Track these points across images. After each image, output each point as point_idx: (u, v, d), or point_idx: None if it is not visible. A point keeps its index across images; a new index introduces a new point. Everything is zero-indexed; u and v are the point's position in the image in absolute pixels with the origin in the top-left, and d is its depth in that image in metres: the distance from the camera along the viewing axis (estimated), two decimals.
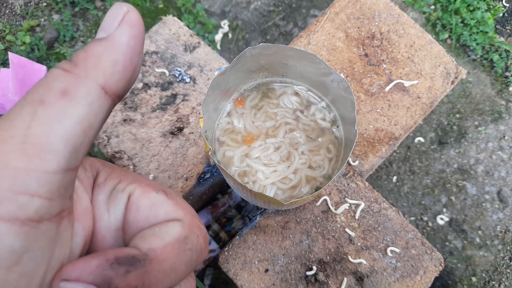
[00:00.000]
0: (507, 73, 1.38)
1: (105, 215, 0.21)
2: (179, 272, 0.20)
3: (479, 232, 1.21)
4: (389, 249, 0.70)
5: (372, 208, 0.73)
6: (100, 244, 0.21)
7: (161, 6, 1.40)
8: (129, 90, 0.20)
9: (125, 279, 0.17)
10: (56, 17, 1.37)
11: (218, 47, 1.38)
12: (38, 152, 0.15)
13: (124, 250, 0.18)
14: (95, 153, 1.21)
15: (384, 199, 0.74)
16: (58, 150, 0.16)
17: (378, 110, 0.78)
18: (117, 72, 0.18)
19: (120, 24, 0.19)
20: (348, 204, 0.73)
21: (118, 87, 0.19)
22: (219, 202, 0.89)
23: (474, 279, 1.17)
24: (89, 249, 0.21)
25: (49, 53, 1.31)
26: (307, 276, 0.69)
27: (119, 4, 0.19)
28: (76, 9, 1.37)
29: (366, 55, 0.81)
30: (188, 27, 0.91)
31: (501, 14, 1.45)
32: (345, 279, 0.68)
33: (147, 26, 1.36)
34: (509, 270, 1.18)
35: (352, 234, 0.71)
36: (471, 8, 1.43)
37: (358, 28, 0.83)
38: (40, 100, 0.16)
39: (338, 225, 0.72)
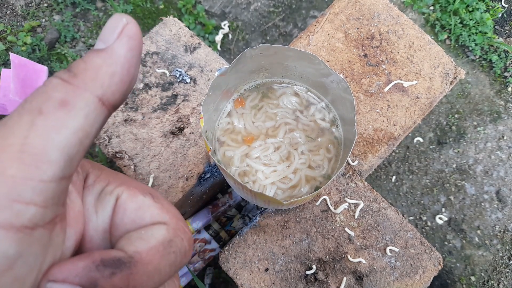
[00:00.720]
0: (506, 74, 1.39)
1: (93, 216, 0.22)
2: (163, 274, 0.21)
3: (478, 231, 1.21)
4: (388, 248, 0.70)
5: (371, 207, 0.74)
6: (88, 245, 0.22)
7: (161, 7, 1.40)
8: (125, 100, 0.21)
9: (110, 281, 0.18)
10: (57, 17, 1.37)
11: (219, 47, 1.38)
12: (35, 161, 0.16)
13: (110, 252, 0.19)
14: (96, 153, 1.21)
15: (383, 199, 0.75)
16: (54, 160, 0.16)
17: (377, 111, 0.79)
18: (114, 83, 0.19)
19: (119, 36, 0.19)
20: (347, 204, 0.73)
21: (115, 98, 0.19)
22: (219, 202, 0.90)
23: (473, 278, 1.17)
24: (77, 250, 0.22)
25: (50, 53, 1.32)
26: (306, 275, 0.69)
27: (119, 15, 0.20)
28: (77, 9, 1.37)
29: (365, 55, 0.82)
30: (188, 28, 0.91)
31: (500, 15, 1.46)
32: (345, 278, 0.69)
33: (148, 27, 1.37)
34: (508, 270, 1.18)
35: (352, 233, 0.72)
36: (470, 9, 1.43)
37: (358, 28, 0.83)
38: (39, 109, 0.17)
39: (338, 225, 0.73)
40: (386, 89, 0.79)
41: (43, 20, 1.37)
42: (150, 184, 0.73)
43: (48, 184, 0.16)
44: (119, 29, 0.19)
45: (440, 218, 1.22)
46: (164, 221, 0.22)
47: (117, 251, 0.19)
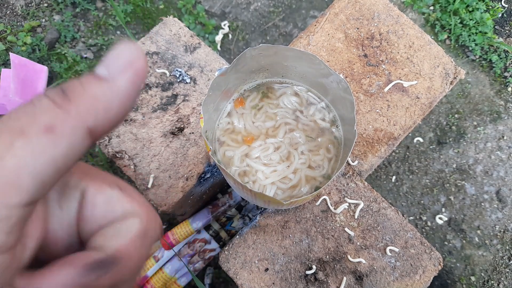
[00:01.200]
0: (506, 74, 1.39)
1: (57, 211, 0.21)
2: (142, 264, 0.21)
3: (478, 231, 1.21)
4: (388, 248, 0.70)
5: (371, 207, 0.74)
6: (52, 240, 0.21)
7: (161, 7, 1.40)
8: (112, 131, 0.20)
9: (98, 284, 0.17)
10: (57, 17, 1.37)
11: (218, 47, 1.38)
12: (4, 185, 0.15)
13: (90, 255, 0.18)
14: (96, 153, 1.21)
15: (383, 199, 0.75)
16: (24, 186, 0.16)
17: (377, 110, 0.79)
18: (108, 117, 0.18)
19: (125, 69, 0.18)
20: (347, 204, 0.73)
21: (104, 130, 0.18)
22: (219, 202, 0.90)
23: (473, 278, 1.17)
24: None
25: (50, 53, 1.32)
26: (306, 275, 0.69)
27: (129, 45, 0.18)
28: (77, 9, 1.37)
29: (365, 55, 0.82)
30: (188, 28, 0.91)
31: (500, 15, 1.46)
32: (345, 278, 0.69)
33: (148, 27, 1.37)
34: (508, 270, 1.18)
35: (352, 233, 0.72)
36: (470, 9, 1.43)
37: (358, 28, 0.83)
38: (21, 130, 0.16)
39: (338, 225, 0.73)
40: (386, 89, 0.79)
41: (43, 20, 1.37)
42: (150, 184, 0.73)
43: (13, 210, 0.15)
44: (127, 61, 0.18)
45: (440, 218, 1.22)
46: (136, 213, 0.22)
47: (97, 252, 0.19)
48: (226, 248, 0.72)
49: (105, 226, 0.21)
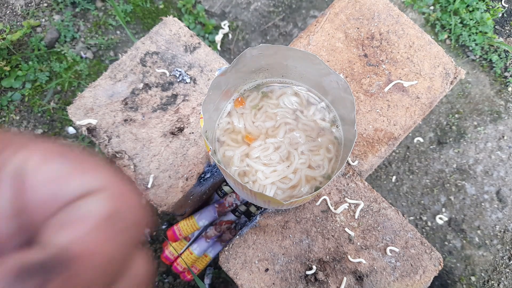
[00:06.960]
0: (506, 74, 1.38)
1: None
2: (118, 259, 0.16)
3: (478, 231, 1.21)
4: (388, 248, 0.70)
5: (372, 207, 0.74)
6: None
7: (161, 6, 1.40)
8: None
9: None
10: (56, 17, 1.37)
11: (218, 47, 1.38)
12: None
13: (28, 255, 0.14)
14: (96, 153, 1.21)
15: (383, 199, 0.75)
16: None
17: (377, 110, 0.79)
18: None
19: None
20: (347, 204, 0.73)
21: None
22: (226, 202, 0.90)
23: (473, 278, 1.17)
24: None
25: (49, 53, 1.32)
26: (307, 275, 0.69)
27: None
28: (77, 9, 1.37)
29: (365, 55, 0.81)
30: (188, 27, 0.91)
31: (500, 15, 1.45)
32: (345, 278, 0.69)
33: (148, 27, 1.37)
34: (508, 270, 1.18)
35: (352, 233, 0.71)
36: (470, 9, 1.43)
37: (358, 28, 0.83)
38: None
39: (338, 225, 0.72)
40: (386, 89, 0.79)
41: (43, 20, 1.37)
42: (150, 184, 0.73)
43: None
44: None
45: (440, 218, 1.22)
46: (99, 188, 0.16)
47: (37, 251, 0.14)
48: (226, 248, 0.72)
49: (56, 213, 0.16)
